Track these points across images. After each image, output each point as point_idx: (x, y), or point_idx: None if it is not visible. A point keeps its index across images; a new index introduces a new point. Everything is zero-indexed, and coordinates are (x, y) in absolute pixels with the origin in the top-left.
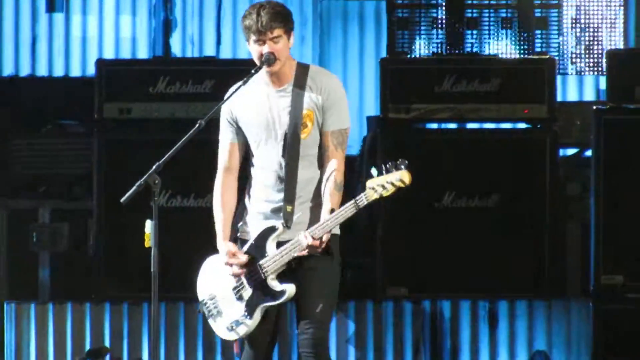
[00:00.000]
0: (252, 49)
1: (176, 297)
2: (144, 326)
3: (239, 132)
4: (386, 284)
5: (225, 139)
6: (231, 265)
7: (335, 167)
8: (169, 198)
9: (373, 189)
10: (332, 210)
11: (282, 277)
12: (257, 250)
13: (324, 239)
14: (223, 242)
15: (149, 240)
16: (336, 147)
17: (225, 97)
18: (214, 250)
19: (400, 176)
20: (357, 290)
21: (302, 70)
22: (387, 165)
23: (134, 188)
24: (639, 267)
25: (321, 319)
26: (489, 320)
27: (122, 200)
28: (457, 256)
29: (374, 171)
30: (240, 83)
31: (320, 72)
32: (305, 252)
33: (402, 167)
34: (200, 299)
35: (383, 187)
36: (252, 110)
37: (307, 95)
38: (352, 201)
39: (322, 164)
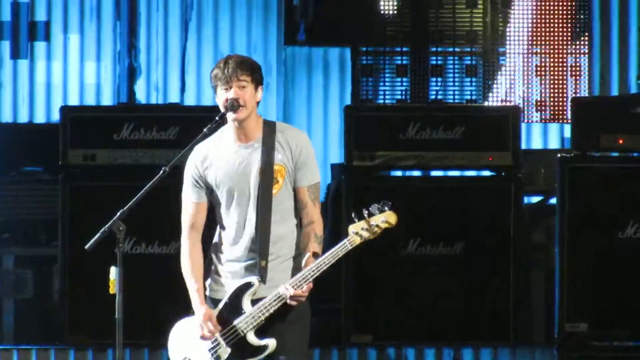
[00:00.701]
0: (218, 99)
1: (141, 343)
2: None
3: (205, 191)
4: (350, 331)
5: (190, 198)
6: (202, 328)
7: (314, 220)
8: (133, 245)
9: (357, 233)
10: (315, 255)
11: (259, 332)
12: (233, 308)
13: (305, 289)
14: (200, 306)
15: (113, 287)
16: (313, 202)
17: (188, 146)
18: (178, 297)
19: (387, 217)
20: (322, 337)
21: (269, 127)
22: (370, 209)
23: (98, 235)
24: (603, 315)
25: None
26: None
27: (86, 246)
28: (421, 303)
29: (354, 216)
30: (205, 130)
31: (289, 129)
32: (293, 302)
33: (386, 208)
34: None
35: (368, 230)
36: (221, 168)
37: (277, 151)
38: (335, 248)
39: (294, 217)
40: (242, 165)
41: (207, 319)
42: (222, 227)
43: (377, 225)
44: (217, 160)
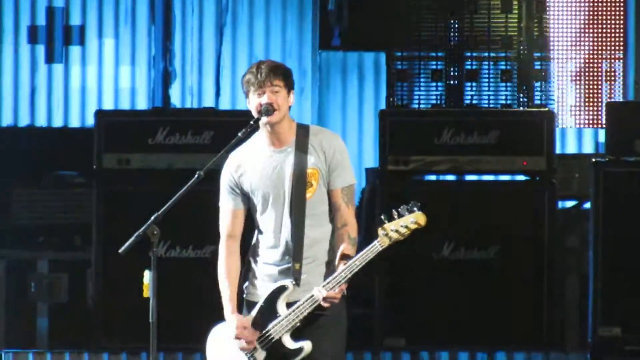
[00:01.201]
0: (251, 104)
1: (174, 347)
2: None
3: (242, 198)
4: (384, 335)
5: (227, 206)
6: (240, 338)
7: (347, 222)
8: (167, 249)
9: (386, 234)
10: (347, 256)
11: (294, 335)
12: (268, 311)
13: (338, 290)
14: (232, 315)
15: (147, 291)
16: (347, 204)
17: (223, 150)
18: (212, 301)
19: (416, 218)
20: (356, 341)
21: (303, 130)
22: (399, 210)
23: (132, 238)
24: (636, 319)
25: None
26: None
27: (120, 250)
28: (455, 307)
29: (383, 217)
30: (239, 134)
31: (322, 132)
32: (326, 304)
33: (415, 209)
34: None
35: (397, 231)
36: (257, 174)
37: (310, 154)
38: (365, 250)
39: (329, 221)
40: (276, 169)
41: (241, 329)
42: (259, 232)
43: (406, 226)
44: (252, 166)
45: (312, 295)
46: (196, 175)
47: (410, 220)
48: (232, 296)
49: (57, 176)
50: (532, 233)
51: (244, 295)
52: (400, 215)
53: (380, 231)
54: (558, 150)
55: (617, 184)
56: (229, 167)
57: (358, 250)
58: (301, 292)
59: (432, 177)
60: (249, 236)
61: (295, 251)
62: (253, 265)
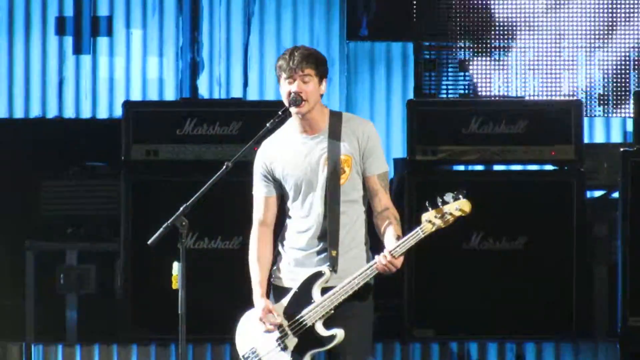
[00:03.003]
0: (282, 89)
1: (203, 338)
2: None
3: (275, 185)
4: (413, 326)
5: (260, 193)
6: (264, 322)
7: (389, 206)
8: (196, 240)
9: (430, 221)
10: (398, 237)
11: (327, 323)
12: (302, 297)
13: (399, 260)
14: (260, 299)
15: (176, 282)
16: (384, 189)
17: (251, 141)
18: (240, 292)
19: (460, 205)
20: (385, 331)
21: (336, 117)
22: (444, 197)
23: (161, 230)
24: None
25: None
26: None
27: (149, 242)
28: (484, 298)
29: (428, 205)
30: (267, 125)
31: (355, 119)
32: (383, 269)
33: (461, 196)
34: (240, 353)
35: (441, 218)
36: (289, 161)
37: (343, 141)
38: (407, 236)
39: (362, 207)
40: (308, 156)
41: (265, 312)
42: (290, 218)
43: (450, 213)
44: (284, 153)
45: (376, 261)
46: (224, 166)
47: (455, 207)
48: (261, 281)
49: (85, 167)
50: (560, 223)
51: (271, 280)
52: (445, 203)
53: (423, 218)
54: (586, 140)
55: None
56: (261, 155)
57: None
58: (337, 279)
59: (461, 167)
60: (281, 227)
61: (331, 237)
62: (281, 249)
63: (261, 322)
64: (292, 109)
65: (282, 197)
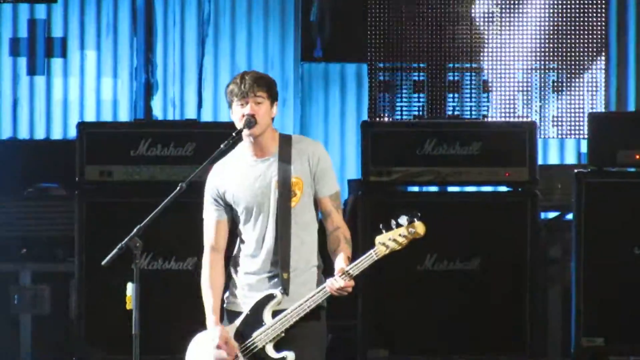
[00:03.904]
0: (234, 114)
1: (158, 358)
2: None
3: (225, 209)
4: (367, 346)
5: (211, 217)
6: (220, 349)
7: (340, 225)
8: (150, 261)
9: (383, 244)
10: (348, 259)
11: (277, 344)
12: (253, 320)
13: (348, 282)
14: (215, 327)
15: (130, 303)
16: (337, 209)
17: (205, 162)
18: (194, 313)
19: (415, 228)
20: (339, 353)
21: (285, 140)
22: (398, 220)
23: (115, 251)
24: (619, 329)
25: None
26: None
27: (103, 262)
28: (438, 318)
29: (382, 227)
30: (222, 146)
31: (304, 140)
32: (336, 293)
33: (415, 219)
34: None
35: (395, 240)
36: (240, 185)
37: (294, 163)
38: (360, 259)
39: (314, 229)
40: (259, 179)
41: (224, 341)
42: (242, 241)
43: (404, 236)
44: (235, 177)
45: (325, 286)
46: (178, 187)
47: (410, 230)
48: (215, 308)
49: (39, 188)
50: (514, 244)
51: (224, 305)
52: (398, 225)
53: (377, 240)
54: (540, 161)
55: (599, 195)
56: (212, 178)
57: (352, 260)
58: (288, 302)
59: (415, 189)
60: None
61: (282, 260)
62: (234, 274)
63: (217, 349)
64: (245, 131)
65: (232, 221)
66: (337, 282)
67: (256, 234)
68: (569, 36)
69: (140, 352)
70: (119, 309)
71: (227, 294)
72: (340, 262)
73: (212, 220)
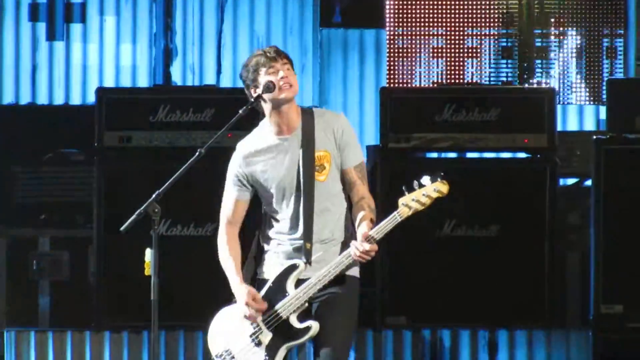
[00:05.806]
0: (261, 83)
1: (176, 325)
2: (144, 354)
3: (248, 190)
4: (386, 313)
5: (232, 195)
6: (249, 306)
7: (365, 196)
8: (168, 226)
9: (406, 205)
10: (372, 221)
11: (302, 314)
12: (277, 290)
13: (372, 247)
14: (240, 285)
15: (148, 269)
16: (362, 180)
17: (224, 127)
18: (213, 279)
19: (438, 187)
20: (357, 319)
21: (308, 114)
22: (421, 180)
23: (133, 216)
24: (638, 296)
25: (339, 356)
26: (489, 349)
27: (121, 228)
28: (456, 285)
29: (404, 188)
30: (240, 112)
31: (327, 113)
32: (359, 258)
33: (438, 178)
34: (214, 353)
35: (418, 201)
36: (266, 163)
37: (318, 137)
38: (384, 221)
39: (344, 200)
40: (287, 157)
41: (251, 297)
42: (274, 218)
43: (427, 195)
44: (261, 156)
45: (349, 251)
46: (197, 153)
47: (433, 188)
48: (237, 270)
49: (58, 154)
50: (533, 210)
51: (256, 276)
52: (421, 185)
53: (400, 202)
54: (559, 128)
55: (618, 161)
56: (237, 160)
57: (376, 223)
58: (312, 271)
59: (433, 155)
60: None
61: (305, 231)
62: (267, 249)
63: (244, 308)
64: (282, 95)
65: (251, 201)
66: (360, 247)
67: (289, 210)
68: (588, 2)
69: (159, 318)
70: (138, 275)
71: (260, 267)
72: (363, 227)
73: (232, 198)
